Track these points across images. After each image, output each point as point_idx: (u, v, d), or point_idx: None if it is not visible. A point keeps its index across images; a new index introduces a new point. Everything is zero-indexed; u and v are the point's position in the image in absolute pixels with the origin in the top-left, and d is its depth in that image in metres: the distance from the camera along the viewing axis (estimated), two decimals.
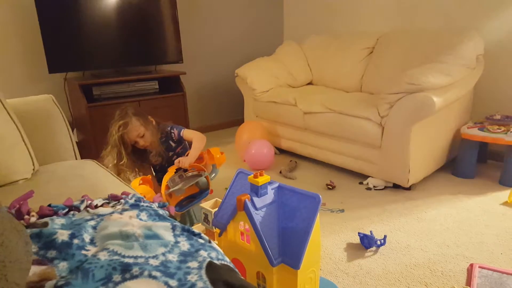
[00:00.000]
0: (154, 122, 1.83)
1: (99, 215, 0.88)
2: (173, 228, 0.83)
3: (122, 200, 1.00)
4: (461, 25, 2.48)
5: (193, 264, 0.71)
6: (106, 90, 2.55)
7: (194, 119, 3.29)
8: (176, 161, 1.71)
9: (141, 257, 0.70)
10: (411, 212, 1.84)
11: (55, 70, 2.46)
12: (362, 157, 2.18)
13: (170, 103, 2.75)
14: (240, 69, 2.91)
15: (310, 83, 3.14)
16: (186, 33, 3.12)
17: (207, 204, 1.36)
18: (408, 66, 2.22)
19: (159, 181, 1.82)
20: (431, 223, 1.73)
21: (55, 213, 0.89)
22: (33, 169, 1.26)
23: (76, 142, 1.57)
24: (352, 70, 2.77)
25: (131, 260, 0.68)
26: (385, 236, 1.57)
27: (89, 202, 0.96)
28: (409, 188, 2.08)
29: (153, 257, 0.71)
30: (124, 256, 0.69)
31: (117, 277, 0.64)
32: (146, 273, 0.64)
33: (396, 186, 2.11)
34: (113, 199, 1.02)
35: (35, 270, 0.64)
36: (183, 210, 1.70)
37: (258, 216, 1.02)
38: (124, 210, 0.92)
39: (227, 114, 3.62)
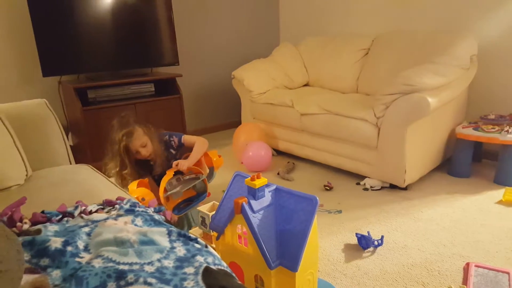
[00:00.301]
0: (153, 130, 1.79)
1: (93, 221, 0.87)
2: (169, 233, 0.82)
3: (117, 206, 0.99)
4: (455, 26, 2.49)
5: (190, 270, 0.70)
6: (101, 93, 2.53)
7: (191, 121, 3.28)
8: (174, 163, 1.69)
9: (136, 263, 0.69)
10: (407, 212, 1.84)
11: (49, 74, 2.44)
12: (359, 158, 2.18)
13: (166, 105, 2.74)
14: (236, 71, 2.91)
15: (306, 85, 3.14)
16: (182, 35, 3.11)
17: (205, 208, 1.35)
18: (403, 67, 2.23)
19: (157, 184, 1.79)
20: (428, 223, 1.73)
21: (48, 219, 0.88)
22: (26, 175, 1.25)
23: (71, 146, 1.56)
24: (348, 71, 2.78)
25: (126, 267, 0.67)
26: (382, 237, 1.57)
27: (83, 208, 0.95)
28: (405, 188, 2.08)
29: (149, 263, 0.70)
30: (119, 263, 0.68)
31: (111, 285, 0.63)
32: (141, 280, 0.63)
33: (392, 186, 2.11)
34: (108, 204, 1.00)
35: (27, 279, 0.63)
36: (181, 213, 1.69)
37: (255, 219, 1.02)
38: (119, 215, 0.91)
39: (224, 116, 3.62)
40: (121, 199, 1.04)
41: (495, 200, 1.92)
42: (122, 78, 2.64)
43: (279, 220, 1.06)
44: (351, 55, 2.78)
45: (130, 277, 0.64)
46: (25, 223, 0.85)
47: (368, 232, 1.60)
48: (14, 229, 0.82)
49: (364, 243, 1.54)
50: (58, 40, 2.42)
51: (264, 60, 3.08)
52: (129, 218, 0.89)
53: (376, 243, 1.55)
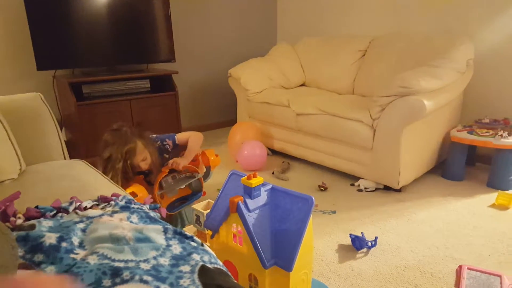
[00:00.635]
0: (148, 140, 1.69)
1: (88, 218, 0.86)
2: (165, 231, 0.82)
3: (112, 202, 0.98)
4: (453, 30, 2.51)
5: (185, 268, 0.70)
6: (96, 89, 2.51)
7: (186, 119, 3.27)
8: (170, 161, 1.65)
9: (131, 261, 0.69)
10: (401, 214, 1.85)
11: (44, 68, 2.41)
12: (354, 159, 2.19)
13: (162, 102, 2.72)
14: (233, 69, 2.90)
15: (303, 85, 3.14)
16: (178, 32, 3.09)
17: (199, 206, 1.35)
18: (400, 69, 2.25)
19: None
20: (421, 225, 1.74)
21: (42, 215, 0.87)
22: (20, 169, 1.23)
23: (64, 141, 1.54)
24: (345, 72, 2.79)
25: (121, 264, 0.67)
26: (376, 238, 1.58)
27: (78, 203, 0.94)
28: (399, 190, 2.09)
29: (144, 261, 0.70)
30: (114, 260, 0.68)
31: (107, 282, 0.62)
32: (137, 277, 0.63)
33: (386, 188, 2.12)
34: (103, 200, 1.00)
35: (21, 274, 0.62)
36: (174, 211, 1.68)
37: (251, 218, 1.01)
38: (114, 212, 0.91)
39: (220, 114, 3.60)
40: (116, 195, 1.03)
41: (488, 203, 1.94)
42: (117, 73, 2.62)
43: (275, 219, 1.06)
44: (348, 56, 2.79)
45: (126, 274, 0.63)
46: (19, 218, 0.84)
47: (362, 233, 1.60)
48: (7, 224, 0.81)
49: (358, 244, 1.55)
50: (53, 34, 2.39)
51: (261, 59, 3.08)
52: (124, 215, 0.88)
53: (369, 244, 1.56)
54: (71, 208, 0.91)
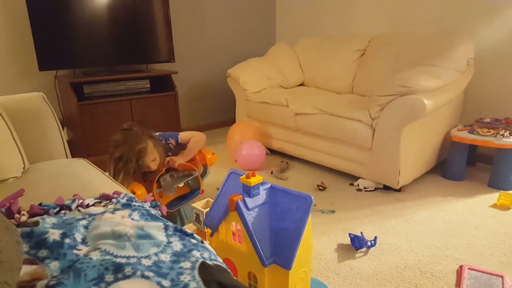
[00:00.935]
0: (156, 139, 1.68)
1: (90, 215, 0.87)
2: (166, 228, 0.83)
3: (113, 200, 0.99)
4: (453, 29, 2.51)
5: (186, 265, 0.71)
6: (97, 89, 2.53)
7: (186, 118, 3.28)
8: (166, 159, 1.66)
9: (133, 257, 0.70)
10: (401, 214, 1.86)
11: (46, 68, 2.43)
12: (353, 159, 2.20)
13: (162, 102, 2.74)
14: (232, 69, 2.91)
15: (302, 84, 3.15)
16: (178, 32, 3.11)
17: (199, 204, 1.36)
18: (399, 69, 2.25)
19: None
20: (421, 225, 1.75)
21: (46, 212, 0.88)
22: (24, 168, 1.25)
23: (66, 140, 1.55)
24: (344, 72, 2.79)
25: (123, 260, 0.68)
26: (375, 237, 1.58)
27: (81, 201, 0.95)
28: (399, 190, 2.10)
29: (146, 257, 0.71)
30: (116, 256, 0.69)
31: (109, 277, 0.63)
32: (138, 273, 0.64)
33: (386, 188, 2.13)
34: (105, 198, 1.01)
35: (26, 269, 0.64)
36: (173, 209, 1.69)
37: (250, 216, 1.02)
38: (116, 209, 0.92)
39: (219, 114, 3.62)
40: (117, 193, 1.05)
41: (489, 203, 1.94)
42: (118, 74, 2.64)
43: (274, 218, 1.07)
44: (347, 55, 2.79)
45: (128, 270, 0.64)
46: (23, 215, 0.85)
47: (361, 232, 1.61)
48: (12, 220, 0.82)
49: (357, 243, 1.56)
50: (55, 35, 2.41)
51: (260, 59, 3.09)
52: (126, 212, 0.89)
53: (369, 243, 1.57)
54: (73, 206, 0.92)
